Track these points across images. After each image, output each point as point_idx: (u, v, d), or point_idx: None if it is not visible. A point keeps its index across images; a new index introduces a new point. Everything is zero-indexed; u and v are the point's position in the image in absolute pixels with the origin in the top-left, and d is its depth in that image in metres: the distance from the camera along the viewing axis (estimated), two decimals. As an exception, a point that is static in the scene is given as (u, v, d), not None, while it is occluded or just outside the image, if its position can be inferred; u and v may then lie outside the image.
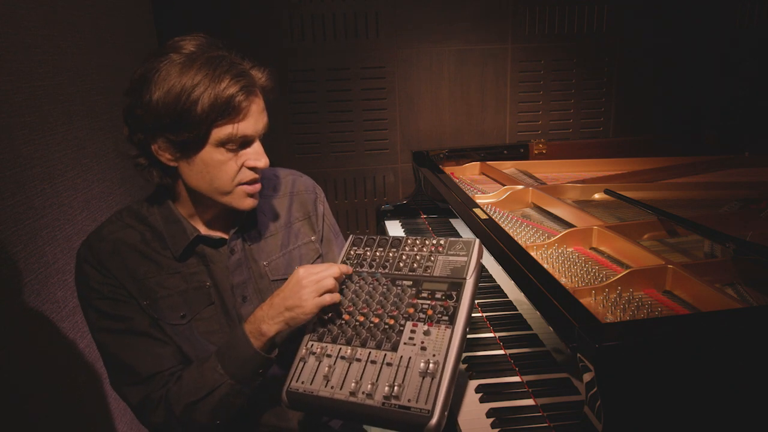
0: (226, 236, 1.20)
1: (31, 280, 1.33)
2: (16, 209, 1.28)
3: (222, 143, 1.05)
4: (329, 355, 1.02)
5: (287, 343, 1.15)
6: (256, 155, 1.09)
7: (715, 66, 2.89)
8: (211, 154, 1.06)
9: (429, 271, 1.11)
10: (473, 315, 1.45)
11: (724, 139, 2.45)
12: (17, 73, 1.32)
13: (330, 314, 1.08)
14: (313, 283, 1.05)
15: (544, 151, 2.52)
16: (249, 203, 1.13)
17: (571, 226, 1.65)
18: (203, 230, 1.18)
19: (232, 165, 1.08)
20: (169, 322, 1.13)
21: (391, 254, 1.16)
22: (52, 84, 1.48)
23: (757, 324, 1.00)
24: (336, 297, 1.07)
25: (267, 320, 1.05)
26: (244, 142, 1.08)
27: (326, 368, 1.00)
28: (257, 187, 1.13)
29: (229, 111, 1.02)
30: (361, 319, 1.05)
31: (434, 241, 1.16)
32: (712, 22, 2.84)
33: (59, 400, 1.40)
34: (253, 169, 1.10)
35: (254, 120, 1.07)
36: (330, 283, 1.06)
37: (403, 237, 1.20)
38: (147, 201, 1.20)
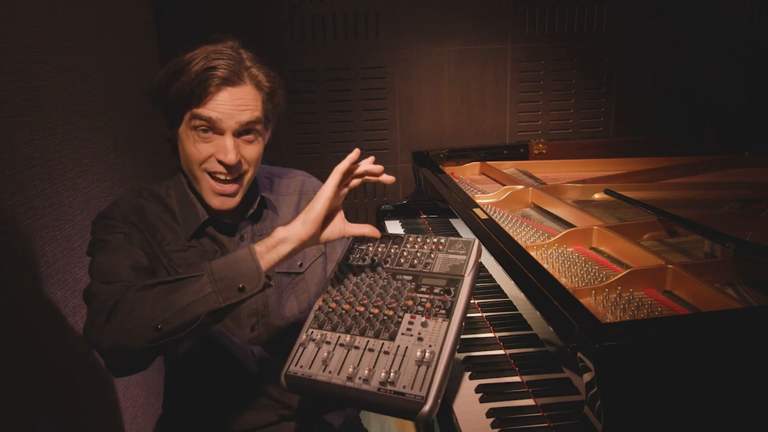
0: (236, 223, 1.25)
1: (31, 280, 1.33)
2: (16, 209, 1.28)
3: (192, 126, 1.11)
4: (328, 342, 1.04)
5: (279, 337, 1.15)
6: (224, 150, 1.11)
7: (715, 66, 2.89)
8: (185, 133, 1.13)
9: (429, 267, 1.13)
10: (473, 315, 1.46)
11: (724, 139, 2.45)
12: (17, 73, 1.32)
13: (332, 305, 1.10)
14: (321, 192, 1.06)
15: (544, 151, 2.52)
16: (217, 202, 1.16)
17: (571, 226, 1.65)
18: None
19: (199, 149, 1.12)
20: None
21: (392, 251, 1.19)
22: (52, 84, 1.48)
23: (757, 324, 1.00)
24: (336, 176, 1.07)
25: (281, 230, 1.03)
26: (215, 130, 1.11)
27: (325, 354, 1.02)
28: (226, 188, 1.14)
29: (195, 96, 1.08)
30: (361, 309, 1.08)
31: (435, 240, 1.19)
32: (712, 22, 2.84)
33: (59, 400, 1.40)
34: (221, 163, 1.12)
35: (222, 109, 1.09)
36: (335, 178, 1.07)
37: (405, 235, 1.22)
38: (165, 184, 1.26)
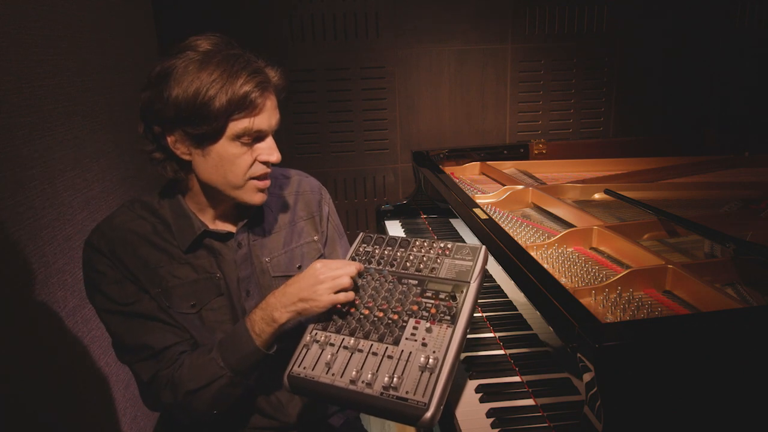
0: (233, 230, 1.23)
1: (31, 280, 1.33)
2: (16, 209, 1.28)
3: (237, 137, 1.09)
4: (332, 344, 1.04)
5: (287, 338, 1.16)
6: (270, 150, 1.14)
7: (715, 66, 2.89)
8: (226, 147, 1.10)
9: (435, 272, 1.13)
10: (474, 315, 1.46)
11: (724, 139, 2.45)
12: (17, 73, 1.32)
13: (337, 307, 1.10)
14: (330, 279, 1.06)
15: (544, 151, 2.52)
16: (259, 198, 1.17)
17: (571, 226, 1.65)
18: (211, 225, 1.21)
19: (246, 158, 1.12)
20: (179, 310, 1.16)
21: (399, 254, 1.19)
22: (52, 84, 1.48)
23: (757, 324, 1.00)
24: (350, 296, 1.08)
25: (280, 308, 1.07)
26: (258, 137, 1.13)
27: (329, 356, 1.02)
28: (267, 182, 1.17)
29: (245, 106, 1.07)
30: (366, 312, 1.07)
31: (441, 245, 1.18)
32: (712, 22, 2.84)
33: (59, 400, 1.40)
34: (265, 163, 1.14)
35: (268, 115, 1.12)
36: (346, 281, 1.07)
37: (412, 238, 1.22)
38: (159, 194, 1.23)
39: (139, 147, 1.16)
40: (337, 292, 1.07)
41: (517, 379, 1.21)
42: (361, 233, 1.26)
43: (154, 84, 1.07)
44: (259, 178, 1.15)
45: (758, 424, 0.94)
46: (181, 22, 2.49)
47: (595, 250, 1.51)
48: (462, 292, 1.06)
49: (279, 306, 1.08)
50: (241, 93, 1.05)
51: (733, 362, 0.94)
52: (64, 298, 1.46)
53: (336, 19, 2.65)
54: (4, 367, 1.19)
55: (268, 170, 1.15)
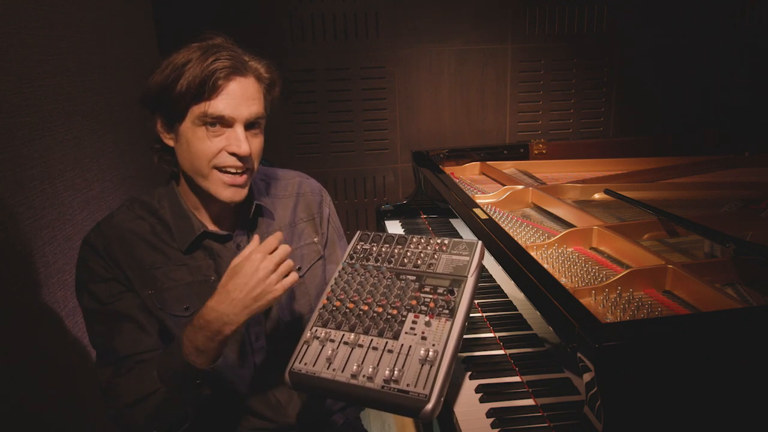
0: (232, 231, 1.21)
1: (31, 280, 1.33)
2: (16, 209, 1.29)
3: (199, 120, 1.07)
4: (332, 340, 1.05)
5: (282, 338, 1.13)
6: (237, 141, 1.08)
7: (714, 66, 2.89)
8: (191, 131, 1.08)
9: (432, 267, 1.14)
10: (473, 315, 1.46)
11: (724, 139, 2.45)
12: (17, 73, 1.32)
13: (336, 303, 1.10)
14: (274, 265, 1.02)
15: (544, 151, 2.52)
16: (228, 194, 1.12)
17: (571, 226, 1.65)
18: (210, 226, 1.20)
19: (209, 145, 1.08)
20: (172, 313, 1.14)
21: (396, 250, 1.20)
22: (52, 84, 1.48)
23: (757, 324, 1.00)
24: (296, 276, 1.04)
25: (232, 316, 1.01)
26: (224, 124, 1.08)
27: (329, 351, 1.02)
28: (237, 179, 1.11)
29: (206, 88, 1.05)
30: (365, 308, 1.08)
31: (438, 241, 1.20)
32: (712, 22, 2.84)
33: (59, 400, 1.40)
34: (234, 155, 1.09)
35: (234, 102, 1.07)
36: (291, 263, 1.04)
37: (408, 235, 1.22)
38: (158, 194, 1.22)
39: (146, 144, 1.16)
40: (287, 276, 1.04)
41: (517, 379, 1.21)
42: (359, 232, 1.26)
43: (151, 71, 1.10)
44: (224, 171, 1.10)
45: (758, 424, 0.94)
46: (181, 22, 2.49)
47: (595, 250, 1.51)
48: (460, 286, 1.08)
49: (231, 315, 1.00)
50: (204, 74, 1.04)
51: (733, 362, 0.94)
52: (64, 298, 1.46)
53: (336, 19, 2.65)
54: (4, 367, 1.20)
55: (237, 163, 1.10)
